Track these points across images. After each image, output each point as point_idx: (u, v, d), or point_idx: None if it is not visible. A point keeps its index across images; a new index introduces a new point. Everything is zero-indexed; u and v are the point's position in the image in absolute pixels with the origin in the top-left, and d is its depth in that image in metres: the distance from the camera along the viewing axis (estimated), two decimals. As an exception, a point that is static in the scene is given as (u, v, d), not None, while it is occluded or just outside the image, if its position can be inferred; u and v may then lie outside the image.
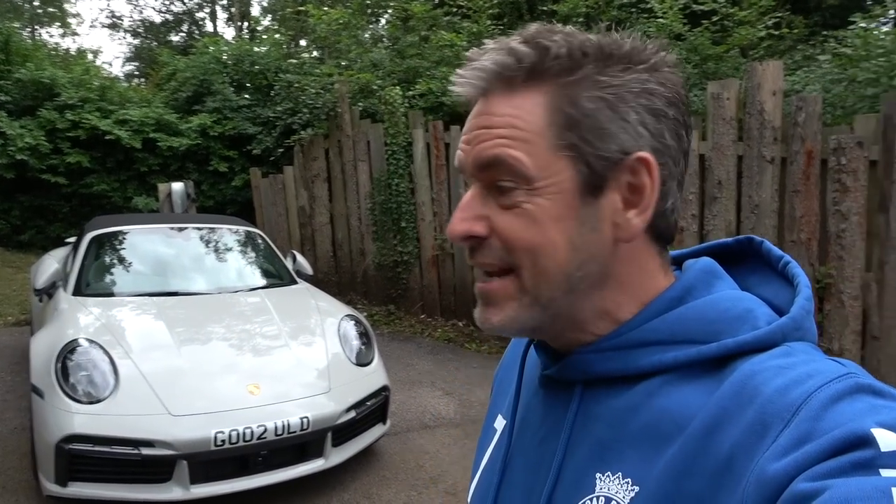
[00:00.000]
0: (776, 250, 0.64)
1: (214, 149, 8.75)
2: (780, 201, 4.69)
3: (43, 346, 3.28)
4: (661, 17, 5.92)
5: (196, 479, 2.93)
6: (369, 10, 10.33)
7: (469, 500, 0.73)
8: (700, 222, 5.03)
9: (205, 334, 3.63)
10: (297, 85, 8.03)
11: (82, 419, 2.90)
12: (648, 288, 0.60)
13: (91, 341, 3.24)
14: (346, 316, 4.00)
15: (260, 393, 3.18)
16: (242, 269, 4.70)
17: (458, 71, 0.60)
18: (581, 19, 7.21)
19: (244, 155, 8.82)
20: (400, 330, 6.86)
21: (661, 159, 0.57)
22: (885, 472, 0.41)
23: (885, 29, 6.56)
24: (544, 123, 0.56)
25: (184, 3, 22.96)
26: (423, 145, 6.86)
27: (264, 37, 10.89)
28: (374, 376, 3.69)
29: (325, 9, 9.25)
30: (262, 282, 4.57)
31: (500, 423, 0.73)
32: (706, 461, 0.49)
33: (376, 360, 3.82)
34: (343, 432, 3.37)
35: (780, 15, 6.58)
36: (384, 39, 8.12)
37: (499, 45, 0.57)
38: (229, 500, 3.05)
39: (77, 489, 2.89)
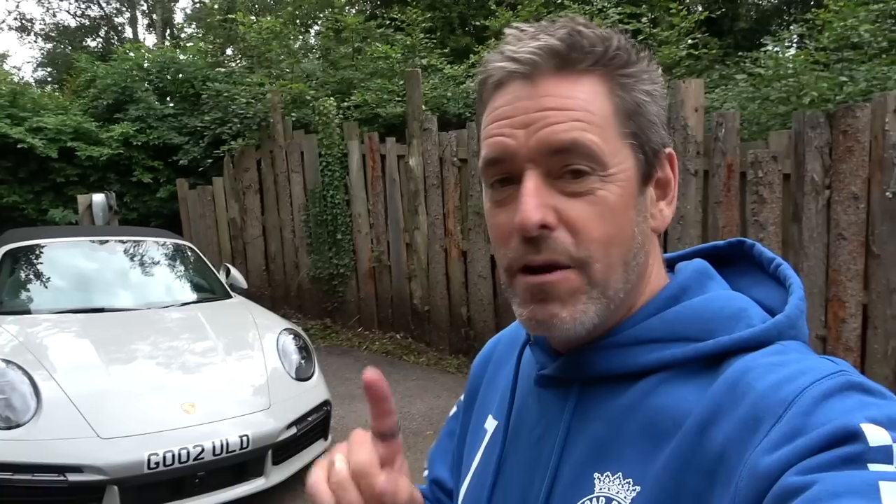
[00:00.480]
0: (767, 252, 0.65)
1: (138, 159, 8.38)
2: (703, 212, 4.93)
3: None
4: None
5: (128, 504, 2.78)
6: (298, 21, 10.21)
7: (460, 501, 0.72)
8: (630, 232, 5.22)
9: (135, 352, 3.46)
10: (226, 94, 7.83)
11: (1, 446, 2.70)
12: (658, 279, 0.62)
13: (8, 362, 3.04)
14: (285, 330, 3.91)
15: (195, 412, 3.06)
16: (173, 284, 4.51)
17: (507, 46, 0.57)
18: (513, 35, 7.37)
19: (170, 165, 8.50)
20: (337, 343, 6.76)
21: None
22: (873, 467, 0.41)
23: (791, 52, 7.05)
24: (611, 110, 0.56)
25: (101, 8, 21.99)
26: (358, 157, 6.82)
27: (189, 44, 10.53)
28: (315, 391, 3.62)
29: (253, 17, 9.08)
30: (195, 296, 4.41)
31: (490, 423, 0.72)
32: (701, 457, 0.50)
33: (317, 375, 3.75)
34: (284, 450, 3.28)
35: (697, 36, 6.96)
36: (314, 50, 8.03)
37: (559, 27, 0.56)
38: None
39: (-7, 522, 2.69)
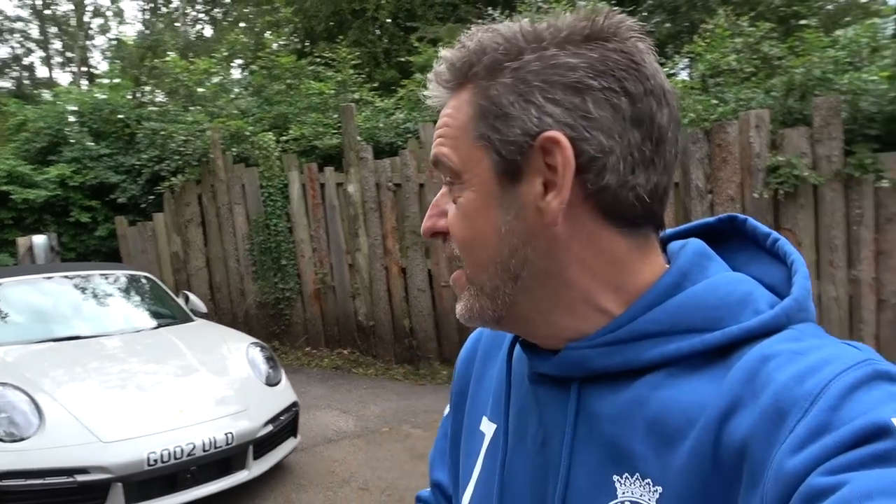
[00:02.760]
0: (762, 227, 0.63)
1: (75, 199, 8.50)
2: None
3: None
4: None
5: (130, 499, 3.15)
6: (228, 61, 10.54)
7: None
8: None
9: (120, 370, 3.81)
10: (163, 133, 8.11)
11: (10, 457, 3.03)
12: (622, 274, 0.58)
13: (4, 384, 3.34)
14: (252, 343, 4.34)
15: (184, 415, 3.45)
16: (140, 310, 4.85)
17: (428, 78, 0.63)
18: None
19: (107, 204, 8.65)
20: (287, 364, 7.10)
21: (581, 134, 0.54)
22: None
23: (685, 75, 8.05)
24: (468, 117, 0.57)
25: (11, 49, 21.42)
26: (298, 186, 7.27)
27: (105, 81, 10.62)
28: (284, 394, 4.06)
29: (173, 54, 9.33)
30: (163, 321, 4.76)
31: (487, 426, 0.70)
32: (723, 452, 0.48)
33: (284, 380, 4.19)
34: (263, 445, 3.71)
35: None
36: (248, 87, 8.43)
37: (458, 44, 0.60)
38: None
39: (8, 525, 3.00)
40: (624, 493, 0.53)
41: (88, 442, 3.14)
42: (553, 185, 0.55)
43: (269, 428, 3.74)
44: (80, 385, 3.53)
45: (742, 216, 0.64)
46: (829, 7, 11.82)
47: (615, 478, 0.54)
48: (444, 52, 0.59)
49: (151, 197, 7.90)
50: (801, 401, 0.46)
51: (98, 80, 10.09)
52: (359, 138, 6.91)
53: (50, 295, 4.67)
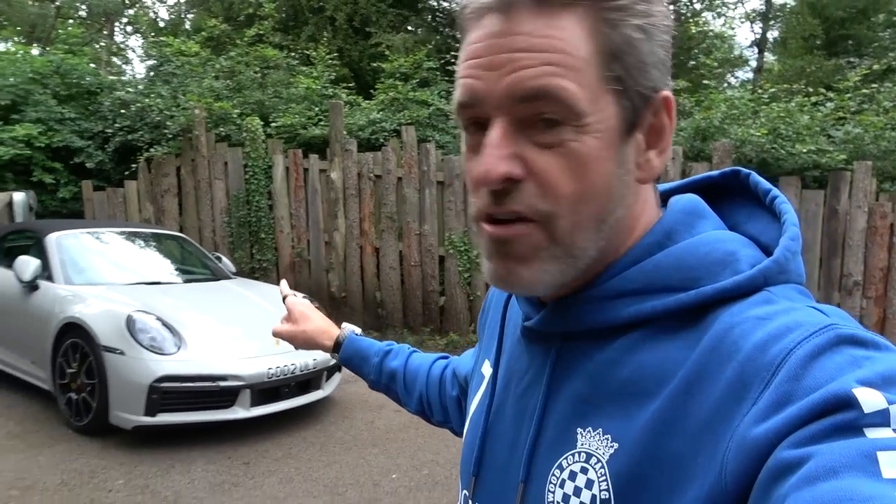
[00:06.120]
0: (764, 183, 0.61)
1: (38, 160, 8.69)
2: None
3: (101, 321, 4.07)
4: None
5: (253, 403, 4.10)
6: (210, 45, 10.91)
7: (463, 442, 0.75)
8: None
9: (216, 308, 4.68)
10: (139, 104, 8.56)
11: (170, 365, 3.89)
12: (649, 225, 0.58)
13: (143, 311, 4.14)
14: (304, 295, 5.33)
15: (280, 345, 4.41)
16: (194, 265, 5.64)
17: None
18: (400, 76, 9.16)
19: (70, 167, 8.91)
20: (264, 326, 7.95)
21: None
22: (870, 433, 0.40)
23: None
24: (590, 51, 0.50)
25: None
26: (282, 169, 8.12)
27: (64, 46, 10.63)
28: (335, 337, 5.12)
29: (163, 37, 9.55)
30: (214, 274, 5.58)
31: (486, 369, 0.74)
32: (687, 421, 0.48)
33: (330, 327, 5.24)
34: (330, 371, 4.76)
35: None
36: (222, 70, 8.99)
37: None
38: (272, 417, 4.28)
39: (165, 417, 3.86)
40: (582, 444, 0.55)
41: (226, 357, 4.06)
42: (654, 144, 0.55)
43: (333, 360, 4.77)
44: (196, 316, 4.39)
45: (746, 171, 0.63)
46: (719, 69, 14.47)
47: (579, 430, 0.56)
48: None
49: (134, 166, 8.32)
50: (763, 371, 0.45)
51: (57, 45, 10.10)
52: (344, 132, 7.91)
53: (130, 246, 5.38)
